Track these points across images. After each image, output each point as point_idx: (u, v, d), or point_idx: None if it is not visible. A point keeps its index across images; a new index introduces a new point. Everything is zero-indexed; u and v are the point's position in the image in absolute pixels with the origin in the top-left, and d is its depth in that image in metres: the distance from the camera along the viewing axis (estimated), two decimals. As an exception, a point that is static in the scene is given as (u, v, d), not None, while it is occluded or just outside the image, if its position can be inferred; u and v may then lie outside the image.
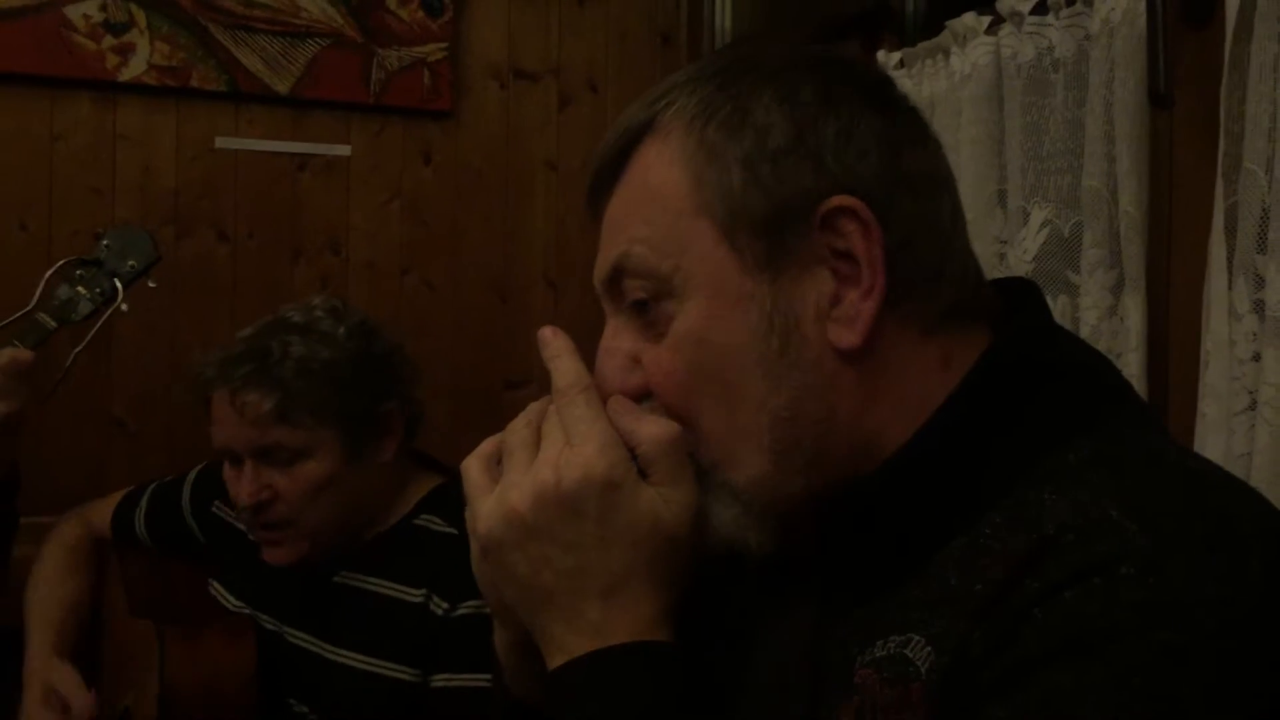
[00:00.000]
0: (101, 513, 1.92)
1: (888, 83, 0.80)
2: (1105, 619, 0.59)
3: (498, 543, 0.74)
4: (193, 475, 1.87)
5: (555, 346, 0.80)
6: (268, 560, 1.63)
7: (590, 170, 0.81)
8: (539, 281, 2.60)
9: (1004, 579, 0.63)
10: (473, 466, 0.78)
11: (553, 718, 0.74)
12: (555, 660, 0.73)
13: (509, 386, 2.52)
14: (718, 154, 0.73)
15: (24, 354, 1.66)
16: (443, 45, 2.47)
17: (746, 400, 0.73)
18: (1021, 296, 0.79)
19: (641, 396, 0.77)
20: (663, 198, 0.75)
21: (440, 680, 1.52)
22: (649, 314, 0.76)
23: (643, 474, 0.74)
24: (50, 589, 1.81)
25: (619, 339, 0.78)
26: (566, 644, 0.73)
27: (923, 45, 1.82)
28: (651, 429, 0.74)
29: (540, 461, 0.74)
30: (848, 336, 0.72)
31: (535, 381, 2.58)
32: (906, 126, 0.76)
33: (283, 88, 2.36)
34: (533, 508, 0.73)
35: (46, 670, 1.69)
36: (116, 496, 1.93)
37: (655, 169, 0.76)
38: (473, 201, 2.55)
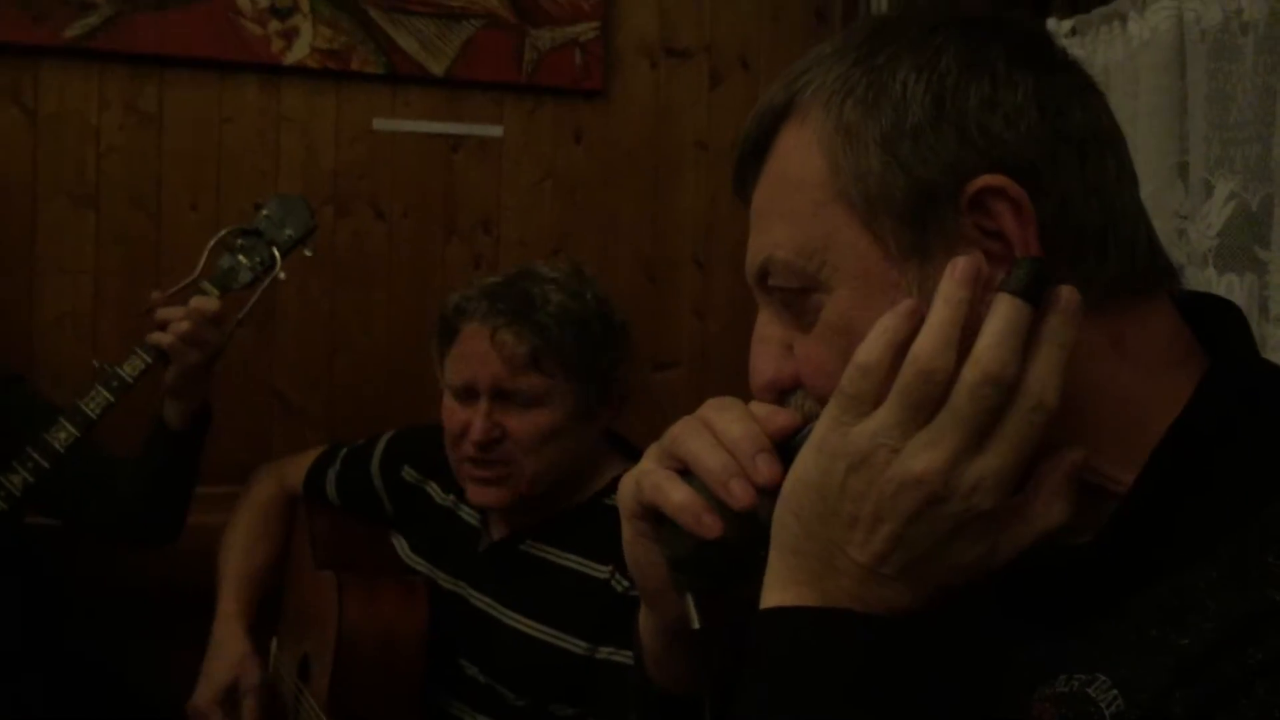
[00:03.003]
0: (296, 471, 1.99)
1: (1041, 36, 0.75)
2: None
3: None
4: (383, 441, 1.92)
5: None
6: (473, 499, 1.67)
7: (734, 156, 0.79)
8: (688, 262, 2.58)
9: (1218, 641, 0.59)
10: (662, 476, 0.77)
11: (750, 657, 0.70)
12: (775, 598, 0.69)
13: (657, 368, 2.51)
14: (855, 135, 0.70)
15: (212, 301, 1.74)
16: (594, 24, 2.46)
17: None
18: (1220, 316, 0.74)
19: (795, 386, 0.75)
20: (802, 188, 0.72)
21: (605, 652, 1.55)
22: (798, 305, 0.74)
23: None
24: (244, 551, 1.91)
25: (771, 328, 0.76)
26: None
27: (1097, 11, 1.73)
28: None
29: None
30: None
31: (684, 363, 2.56)
32: (1063, 82, 0.71)
33: (438, 69, 2.39)
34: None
35: (233, 655, 1.77)
36: (312, 455, 2.00)
37: (794, 156, 0.73)
38: (622, 181, 2.54)
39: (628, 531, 0.76)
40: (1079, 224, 0.68)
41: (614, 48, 2.51)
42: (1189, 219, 1.54)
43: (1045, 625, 0.69)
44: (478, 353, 1.62)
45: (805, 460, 0.68)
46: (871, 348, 0.65)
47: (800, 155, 0.72)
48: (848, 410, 0.65)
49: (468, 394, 1.64)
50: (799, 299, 0.73)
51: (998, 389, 0.62)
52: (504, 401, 1.62)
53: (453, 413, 1.65)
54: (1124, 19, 1.67)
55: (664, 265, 2.56)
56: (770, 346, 0.76)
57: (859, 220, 0.70)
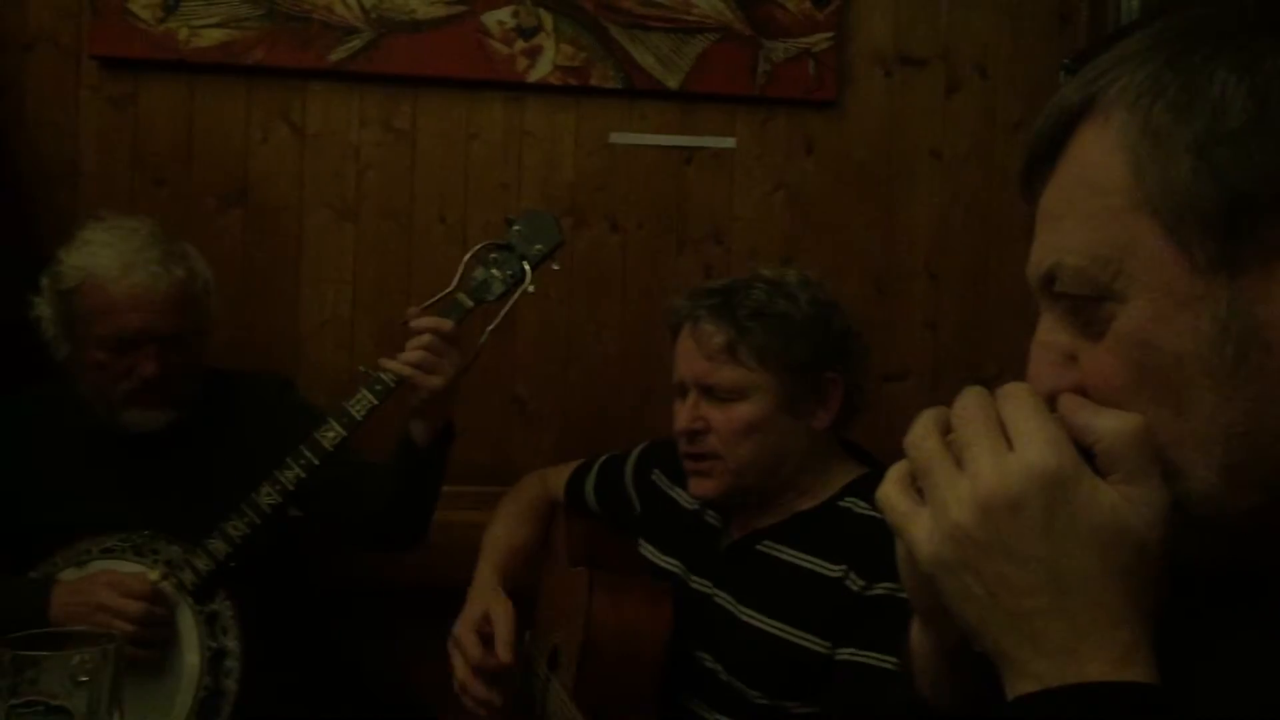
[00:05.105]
0: (558, 477, 2.12)
1: None
2: None
3: (947, 564, 0.68)
4: (638, 450, 2.03)
5: None
6: (693, 491, 1.75)
7: (1024, 152, 0.76)
8: (920, 273, 2.54)
9: None
10: (891, 493, 0.73)
11: None
12: (1020, 686, 0.67)
13: (887, 379, 2.49)
14: (1163, 139, 0.67)
15: (445, 321, 1.83)
16: (828, 35, 2.46)
17: (1193, 410, 0.67)
18: None
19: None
20: (1100, 192, 0.69)
21: (845, 653, 1.56)
22: (1086, 313, 0.71)
23: (1100, 475, 0.67)
24: (506, 531, 2.02)
25: (1054, 334, 0.73)
26: (1034, 669, 0.66)
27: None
28: (1112, 421, 0.67)
29: (976, 470, 0.68)
30: None
31: (913, 374, 2.53)
32: None
33: (673, 83, 2.44)
34: (979, 521, 0.66)
35: (490, 598, 1.87)
36: (572, 465, 2.12)
37: (1093, 157, 0.70)
38: (854, 192, 2.53)
39: (900, 550, 0.75)
40: None
41: (847, 57, 2.50)
42: None
43: None
44: (685, 348, 1.73)
45: None
46: None
47: (1099, 158, 0.70)
48: None
49: (682, 390, 1.74)
50: (1088, 307, 0.70)
51: None
52: (709, 395, 1.70)
53: (676, 410, 1.74)
54: None
55: (895, 276, 2.54)
56: (1052, 354, 0.73)
57: (1162, 229, 0.67)
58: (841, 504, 1.69)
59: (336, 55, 2.35)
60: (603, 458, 2.07)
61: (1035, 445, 0.67)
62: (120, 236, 1.89)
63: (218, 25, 2.32)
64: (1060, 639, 0.65)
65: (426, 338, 1.82)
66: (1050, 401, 0.71)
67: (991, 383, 2.54)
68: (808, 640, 1.60)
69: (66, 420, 1.97)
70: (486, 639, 1.82)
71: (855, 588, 1.58)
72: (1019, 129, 2.52)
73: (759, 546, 1.72)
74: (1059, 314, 0.73)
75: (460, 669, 1.83)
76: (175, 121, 2.36)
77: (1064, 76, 2.52)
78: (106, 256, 1.86)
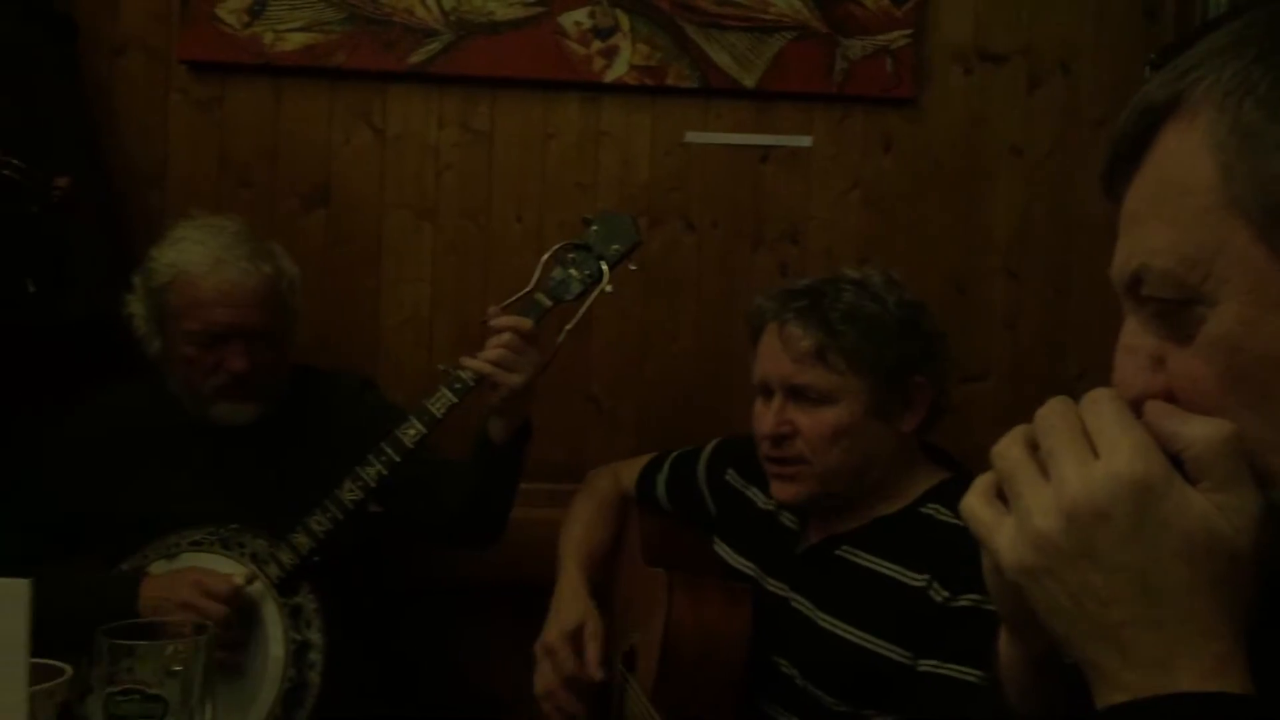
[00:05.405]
0: (629, 472, 2.11)
1: None
2: None
3: (1031, 572, 0.67)
4: (710, 447, 2.01)
5: None
6: (775, 495, 1.73)
7: (1106, 151, 0.74)
8: (999, 272, 2.51)
9: None
10: (975, 504, 0.72)
11: None
12: (1110, 696, 0.66)
13: (966, 380, 2.46)
14: (1254, 138, 0.65)
15: (525, 320, 1.85)
16: (907, 31, 2.44)
17: None
18: None
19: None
20: (1188, 192, 0.68)
21: (928, 665, 1.53)
22: (1175, 317, 0.69)
23: (1190, 482, 0.66)
24: (584, 531, 2.02)
25: (1141, 337, 0.72)
26: (1124, 680, 0.65)
27: None
28: (1201, 428, 0.66)
29: (1061, 478, 0.67)
30: None
31: (992, 375, 2.50)
32: None
33: (749, 82, 2.43)
34: (1064, 529, 0.66)
35: (583, 610, 1.87)
36: (643, 460, 2.11)
37: (1179, 156, 0.68)
38: (932, 190, 2.50)
39: (987, 560, 0.75)
40: None
41: (926, 54, 2.48)
42: None
43: None
44: (771, 350, 1.70)
45: None
46: None
47: (1186, 157, 0.68)
48: None
49: (765, 391, 1.71)
50: (1176, 310, 0.68)
51: None
52: (796, 398, 1.67)
53: (758, 411, 1.72)
54: None
55: (974, 275, 2.50)
56: (1139, 358, 0.71)
57: (1254, 230, 0.65)
58: (923, 510, 1.66)
59: (416, 57, 2.38)
60: (674, 454, 2.05)
61: (1122, 453, 0.66)
62: (210, 234, 1.94)
63: (301, 29, 2.37)
64: (1150, 649, 0.65)
65: (507, 336, 1.84)
66: (1136, 407, 0.70)
67: (1073, 384, 2.53)
68: (888, 649, 1.57)
69: (157, 415, 2.02)
70: (577, 649, 1.82)
71: (939, 599, 1.55)
72: (1102, 126, 2.47)
73: (838, 551, 1.69)
74: (1145, 317, 0.71)
75: (548, 678, 1.83)
76: (260, 124, 2.41)
77: (1149, 72, 2.47)
78: (197, 253, 1.91)
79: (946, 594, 1.54)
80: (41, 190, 1.85)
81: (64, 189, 1.87)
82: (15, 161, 1.81)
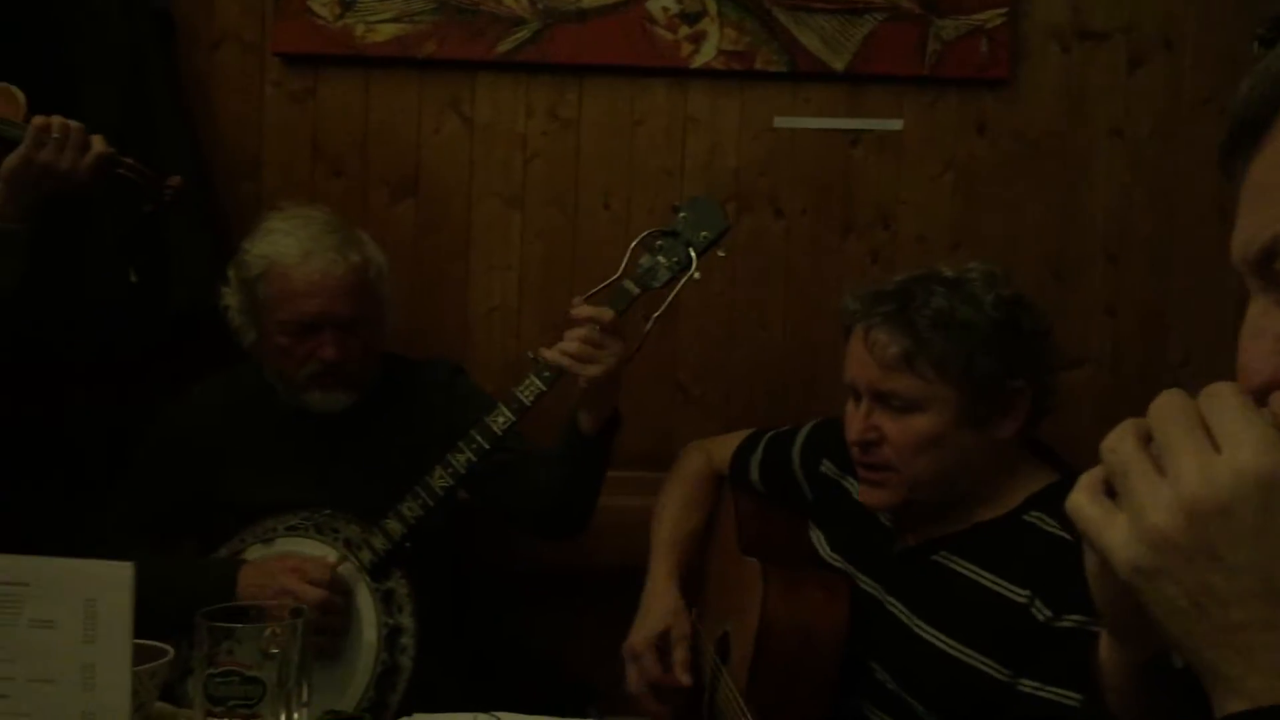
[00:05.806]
0: (722, 450, 2.07)
1: None
2: None
3: (1145, 572, 0.63)
4: (805, 431, 1.96)
5: None
6: (862, 500, 1.67)
7: (1230, 122, 0.70)
8: (1098, 257, 2.44)
9: None
10: (1082, 501, 0.67)
11: None
12: (1231, 704, 0.62)
13: (1063, 367, 2.39)
14: None
15: (605, 311, 1.84)
16: (1002, 10, 2.38)
17: None
18: None
19: None
20: None
21: (1028, 686, 1.46)
22: None
23: None
24: (674, 521, 2.01)
25: (1271, 318, 0.67)
26: (1248, 686, 0.61)
27: None
28: None
29: (1179, 472, 0.63)
30: None
31: (1091, 361, 2.43)
32: None
33: (839, 65, 2.39)
34: (1183, 526, 0.62)
35: (671, 615, 1.86)
36: (738, 437, 2.06)
37: None
38: (1028, 173, 2.44)
39: (1090, 562, 0.72)
40: None
41: (1022, 33, 2.41)
42: None
43: None
44: (857, 354, 1.62)
45: None
46: None
47: None
48: None
49: (854, 393, 1.65)
50: None
51: None
52: (883, 404, 1.60)
53: (848, 413, 1.66)
54: None
55: (1072, 260, 2.44)
56: (1268, 341, 0.67)
57: None
58: (1027, 518, 1.57)
59: (504, 46, 2.39)
60: (768, 435, 2.00)
61: (1247, 447, 0.61)
62: (299, 225, 1.96)
63: (392, 20, 2.39)
64: (1275, 654, 0.61)
65: (584, 328, 1.83)
66: (1262, 395, 0.66)
67: (1175, 371, 2.44)
68: (987, 665, 1.50)
69: (253, 404, 2.06)
70: (663, 651, 1.81)
71: (1042, 617, 1.46)
72: (1208, 104, 2.39)
73: (935, 556, 1.62)
74: (1274, 298, 0.67)
75: (635, 682, 1.83)
76: (352, 114, 2.44)
77: (1257, 47, 2.38)
78: (287, 244, 1.94)
79: (1049, 613, 1.46)
80: (155, 189, 1.89)
81: (176, 188, 1.91)
82: (130, 161, 1.85)
